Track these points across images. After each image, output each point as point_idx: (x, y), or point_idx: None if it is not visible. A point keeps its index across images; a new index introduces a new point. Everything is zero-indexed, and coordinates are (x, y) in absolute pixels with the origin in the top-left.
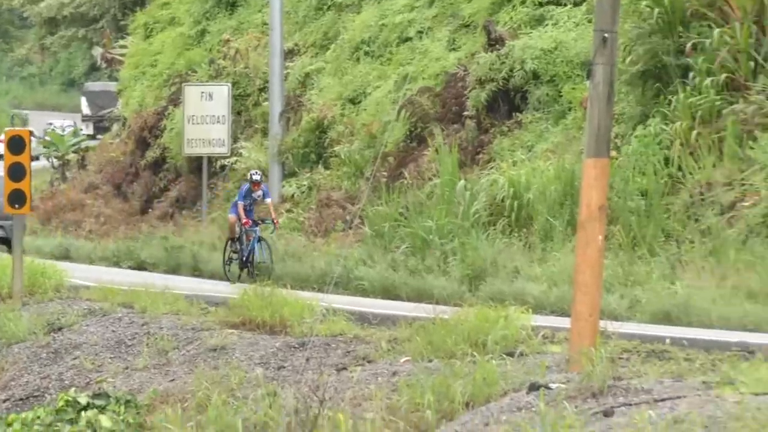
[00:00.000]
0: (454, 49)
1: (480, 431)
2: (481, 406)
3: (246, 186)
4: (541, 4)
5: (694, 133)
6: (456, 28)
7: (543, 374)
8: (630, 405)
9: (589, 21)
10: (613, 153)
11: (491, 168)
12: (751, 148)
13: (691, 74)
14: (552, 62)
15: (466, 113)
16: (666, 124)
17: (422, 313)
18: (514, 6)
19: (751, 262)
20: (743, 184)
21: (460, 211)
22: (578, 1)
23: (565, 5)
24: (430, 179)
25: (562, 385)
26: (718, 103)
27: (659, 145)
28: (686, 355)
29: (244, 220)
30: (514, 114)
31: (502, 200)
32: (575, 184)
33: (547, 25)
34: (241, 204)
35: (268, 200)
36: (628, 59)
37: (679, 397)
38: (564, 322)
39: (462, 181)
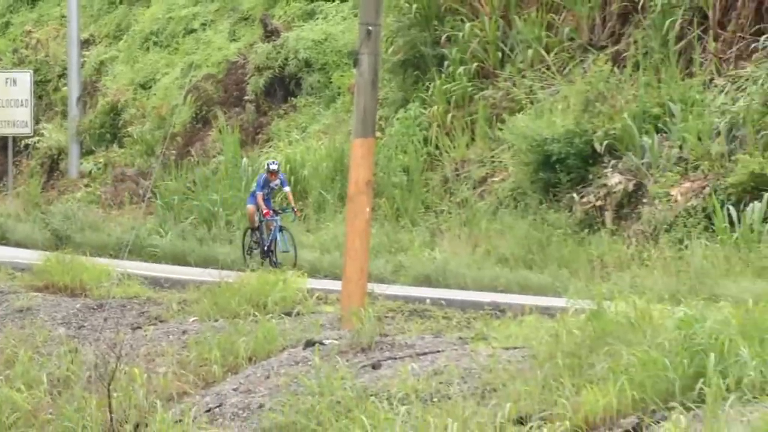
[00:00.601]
0: (234, 39)
1: (262, 383)
2: (263, 361)
3: (263, 176)
4: (312, 0)
5: (449, 116)
6: (236, 21)
7: (318, 332)
8: (395, 358)
9: (355, 15)
10: (378, 134)
11: (270, 147)
12: (500, 129)
13: (446, 63)
14: (323, 52)
15: (246, 98)
16: (424, 108)
17: (209, 278)
18: (287, 1)
19: (501, 230)
20: (493, 162)
21: (242, 185)
22: None
23: (334, 1)
24: (214, 157)
25: (335, 342)
26: (470, 89)
27: (419, 126)
28: (444, 314)
29: (264, 211)
30: (289, 98)
31: None
32: (345, 162)
33: (317, 18)
34: (259, 194)
35: (287, 189)
36: (390, 50)
37: (438, 351)
38: (336, 285)
39: (245, 159)
